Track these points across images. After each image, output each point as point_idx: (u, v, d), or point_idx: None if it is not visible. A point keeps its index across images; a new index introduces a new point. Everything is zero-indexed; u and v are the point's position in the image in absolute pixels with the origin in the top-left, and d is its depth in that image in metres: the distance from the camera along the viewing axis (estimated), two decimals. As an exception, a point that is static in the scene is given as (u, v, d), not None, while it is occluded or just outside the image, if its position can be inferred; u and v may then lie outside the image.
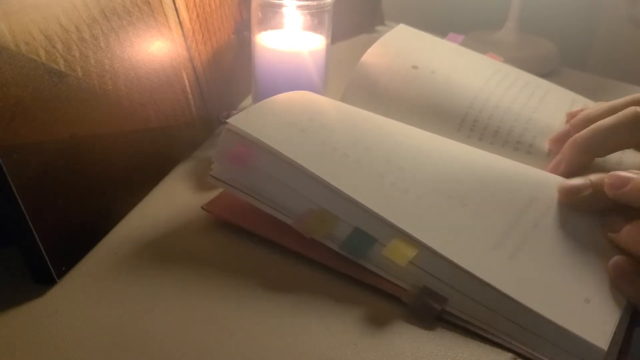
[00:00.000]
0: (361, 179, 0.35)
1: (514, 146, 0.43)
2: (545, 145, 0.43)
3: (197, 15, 0.48)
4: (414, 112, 0.45)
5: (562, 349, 0.29)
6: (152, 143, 0.43)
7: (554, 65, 0.71)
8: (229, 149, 0.37)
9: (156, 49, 0.43)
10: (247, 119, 0.38)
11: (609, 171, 0.35)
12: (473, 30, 0.75)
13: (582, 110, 0.43)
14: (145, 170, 0.42)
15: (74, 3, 0.35)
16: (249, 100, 0.57)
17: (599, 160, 0.40)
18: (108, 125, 0.38)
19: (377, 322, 0.32)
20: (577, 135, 0.39)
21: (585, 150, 0.38)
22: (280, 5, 0.48)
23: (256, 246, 0.37)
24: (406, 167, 0.37)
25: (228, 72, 0.54)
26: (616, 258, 0.32)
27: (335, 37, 0.53)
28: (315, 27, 0.50)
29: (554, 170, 0.40)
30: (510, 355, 0.30)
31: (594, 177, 0.35)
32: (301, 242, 0.35)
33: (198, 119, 0.49)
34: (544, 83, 0.50)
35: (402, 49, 0.52)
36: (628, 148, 0.40)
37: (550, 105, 0.47)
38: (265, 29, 0.50)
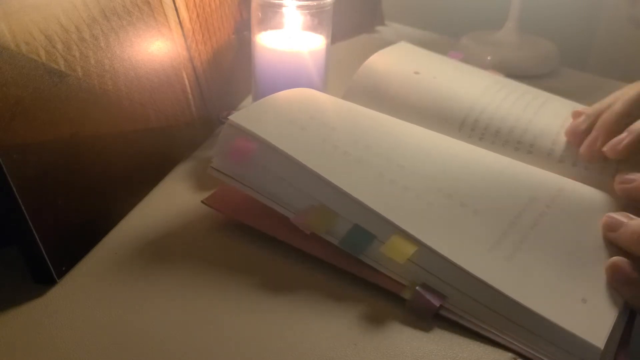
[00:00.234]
0: (361, 176, 0.35)
1: (515, 146, 0.43)
2: (546, 145, 0.43)
3: (197, 15, 0.48)
4: (414, 113, 0.45)
5: (560, 348, 0.29)
6: (152, 143, 0.43)
7: (554, 65, 0.71)
8: (229, 144, 0.37)
9: (156, 49, 0.43)
10: (248, 116, 0.38)
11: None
12: (473, 30, 0.75)
13: (587, 108, 0.43)
14: (145, 170, 0.42)
15: (74, 3, 0.35)
16: (249, 100, 0.57)
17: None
18: (108, 125, 0.38)
19: (377, 322, 0.32)
20: (606, 114, 0.40)
21: (618, 120, 0.39)
22: (280, 5, 0.48)
23: (256, 246, 0.37)
24: (406, 166, 0.37)
25: (228, 72, 0.54)
26: (614, 259, 0.32)
27: (335, 37, 0.53)
28: (315, 27, 0.50)
29: (592, 147, 0.41)
30: (510, 355, 0.30)
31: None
32: (300, 237, 0.35)
33: (198, 119, 0.49)
34: (544, 93, 0.50)
35: (403, 58, 0.52)
36: None
37: (551, 110, 0.47)
38: (265, 29, 0.50)
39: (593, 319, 0.30)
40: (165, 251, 0.36)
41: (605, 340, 0.29)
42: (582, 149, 0.41)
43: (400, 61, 0.51)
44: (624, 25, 0.91)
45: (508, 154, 0.42)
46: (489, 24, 0.76)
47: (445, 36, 0.78)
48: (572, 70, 0.71)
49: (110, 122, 0.38)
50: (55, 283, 0.33)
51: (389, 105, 0.45)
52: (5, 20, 0.30)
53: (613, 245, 0.34)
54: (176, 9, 0.45)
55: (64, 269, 0.34)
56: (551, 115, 0.46)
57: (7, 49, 0.30)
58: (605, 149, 0.39)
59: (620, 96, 0.41)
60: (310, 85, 0.48)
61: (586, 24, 0.93)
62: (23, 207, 0.30)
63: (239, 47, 0.55)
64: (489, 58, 0.69)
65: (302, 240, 0.35)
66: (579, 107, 0.49)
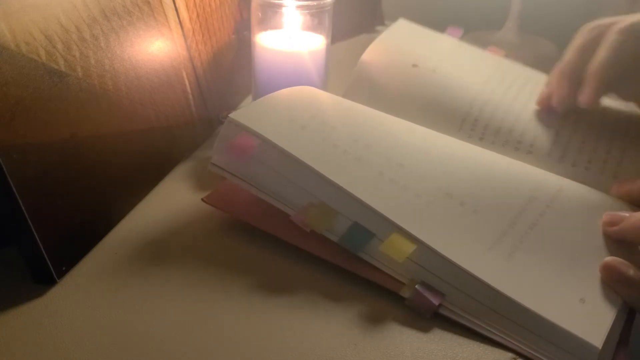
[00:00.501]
0: (361, 175, 0.35)
1: (515, 146, 0.43)
2: (546, 145, 0.43)
3: (197, 15, 0.48)
4: (414, 112, 0.45)
5: (558, 347, 0.29)
6: (152, 143, 0.43)
7: (554, 65, 0.71)
8: (229, 141, 0.37)
9: (156, 49, 0.43)
10: (249, 113, 0.38)
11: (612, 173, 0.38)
12: (473, 31, 0.75)
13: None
14: (145, 170, 0.42)
15: (74, 3, 0.35)
16: (249, 100, 0.57)
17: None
18: (108, 125, 0.38)
19: (377, 322, 0.32)
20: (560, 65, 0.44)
21: (570, 74, 0.42)
22: (280, 5, 0.48)
23: (256, 246, 0.37)
24: (406, 165, 0.37)
25: (228, 72, 0.54)
26: (608, 259, 0.33)
27: (335, 37, 0.53)
28: (315, 27, 0.50)
29: (543, 103, 0.45)
30: (510, 355, 0.30)
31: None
32: (300, 235, 0.35)
33: (198, 119, 0.49)
34: (544, 78, 0.50)
35: (402, 45, 0.51)
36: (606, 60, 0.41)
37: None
38: (265, 29, 0.50)
39: (591, 319, 0.30)
40: (165, 251, 0.36)
41: (604, 340, 0.29)
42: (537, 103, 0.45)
43: (398, 51, 0.51)
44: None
45: (508, 154, 0.42)
46: (489, 24, 0.76)
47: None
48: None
49: (110, 122, 0.38)
50: (55, 283, 0.33)
51: (387, 107, 0.45)
52: (5, 20, 0.30)
53: (612, 245, 0.34)
54: (176, 9, 0.45)
55: (64, 269, 0.34)
56: (550, 114, 0.46)
57: (7, 49, 0.30)
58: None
59: (579, 47, 0.43)
60: (310, 85, 0.48)
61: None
62: (23, 207, 0.30)
63: (239, 47, 0.55)
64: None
65: (302, 238, 0.35)
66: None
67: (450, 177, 0.37)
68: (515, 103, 0.47)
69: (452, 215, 0.34)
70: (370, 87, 0.48)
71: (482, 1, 0.89)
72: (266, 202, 0.36)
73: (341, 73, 0.55)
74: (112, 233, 0.38)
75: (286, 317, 0.32)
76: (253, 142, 0.36)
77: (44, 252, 0.32)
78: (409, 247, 0.32)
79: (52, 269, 0.33)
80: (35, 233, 0.31)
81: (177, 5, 0.45)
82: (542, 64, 0.70)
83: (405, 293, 0.33)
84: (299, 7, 0.48)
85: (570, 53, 0.44)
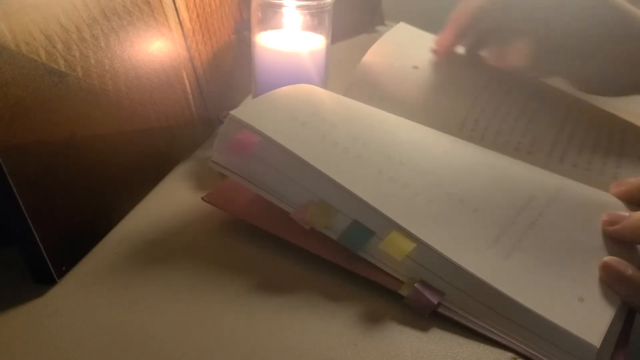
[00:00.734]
0: (361, 173, 0.35)
1: (516, 146, 0.43)
2: (546, 146, 0.43)
3: (197, 15, 0.48)
4: (415, 112, 0.45)
5: (556, 346, 0.29)
6: (152, 143, 0.43)
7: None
8: (229, 138, 0.37)
9: (156, 49, 0.43)
10: (250, 110, 0.38)
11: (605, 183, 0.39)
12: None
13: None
14: (145, 170, 0.42)
15: (74, 3, 0.35)
16: (249, 100, 0.57)
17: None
18: (108, 125, 0.38)
19: (377, 321, 0.32)
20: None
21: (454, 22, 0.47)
22: (280, 5, 0.48)
23: (256, 246, 0.37)
24: (406, 163, 0.37)
25: (228, 72, 0.54)
26: (606, 259, 0.33)
27: (335, 37, 0.53)
28: (315, 27, 0.50)
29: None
30: (510, 355, 0.30)
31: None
32: (299, 234, 0.35)
33: (198, 119, 0.49)
34: (544, 86, 0.50)
35: (403, 48, 0.52)
36: None
37: (549, 109, 0.47)
38: (265, 29, 0.50)
39: (590, 318, 0.30)
40: (165, 251, 0.36)
41: (602, 339, 0.29)
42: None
43: (399, 53, 0.51)
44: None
45: (509, 154, 0.42)
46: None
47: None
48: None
49: (110, 122, 0.38)
50: (55, 283, 0.33)
51: (388, 107, 0.45)
52: (5, 20, 0.30)
53: (611, 245, 0.35)
54: (176, 9, 0.45)
55: (64, 269, 0.34)
56: (550, 115, 0.46)
57: (7, 49, 0.30)
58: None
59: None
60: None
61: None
62: (23, 207, 0.30)
63: (239, 47, 0.55)
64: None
65: (302, 237, 0.35)
66: (578, 105, 0.49)
67: (450, 175, 0.37)
68: (516, 104, 0.47)
69: (452, 213, 0.34)
70: (370, 88, 0.48)
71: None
72: (266, 201, 0.36)
73: (341, 73, 0.55)
74: (112, 233, 0.38)
75: (286, 317, 0.32)
76: (253, 140, 0.36)
77: (44, 252, 0.32)
78: (408, 246, 0.32)
79: (52, 269, 0.33)
80: (35, 233, 0.31)
81: (177, 5, 0.45)
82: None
83: (404, 291, 0.33)
84: (299, 7, 0.48)
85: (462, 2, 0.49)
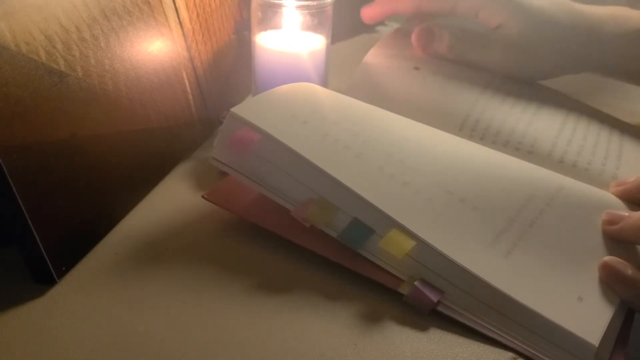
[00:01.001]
0: (361, 171, 0.35)
1: (516, 146, 0.43)
2: (546, 146, 0.43)
3: (197, 15, 0.48)
4: (415, 113, 0.45)
5: (555, 345, 0.29)
6: (152, 143, 0.43)
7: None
8: (230, 135, 0.37)
9: (156, 49, 0.43)
10: (251, 108, 0.38)
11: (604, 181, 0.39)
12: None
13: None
14: (145, 170, 0.42)
15: (74, 3, 0.35)
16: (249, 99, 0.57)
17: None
18: (108, 125, 0.38)
19: (377, 321, 0.32)
20: None
21: None
22: (280, 5, 0.48)
23: (256, 246, 0.37)
24: (406, 161, 0.37)
25: (228, 72, 0.54)
26: (606, 259, 0.33)
27: (335, 37, 0.53)
28: (315, 27, 0.50)
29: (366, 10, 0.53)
30: (510, 354, 0.30)
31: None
32: (300, 232, 0.35)
33: (198, 119, 0.49)
34: (540, 91, 0.50)
35: (404, 49, 0.52)
36: None
37: (550, 110, 0.47)
38: (265, 29, 0.50)
39: (588, 317, 0.30)
40: (165, 251, 0.36)
41: (600, 338, 0.29)
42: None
43: (399, 54, 0.51)
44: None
45: (509, 154, 0.42)
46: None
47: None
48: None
49: (110, 122, 0.38)
50: (55, 283, 0.33)
51: (388, 107, 0.45)
52: (5, 20, 0.30)
53: (611, 244, 0.35)
54: (176, 9, 0.45)
55: (64, 269, 0.34)
56: (550, 116, 0.46)
57: (7, 49, 0.30)
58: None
59: None
60: (310, 85, 0.48)
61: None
62: (23, 207, 0.30)
63: (239, 47, 0.55)
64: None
65: (302, 235, 0.35)
66: (578, 105, 0.49)
67: (450, 173, 0.37)
68: (516, 105, 0.47)
69: (452, 212, 0.34)
70: (371, 89, 0.48)
71: (482, 1, 0.88)
72: (266, 199, 0.36)
73: (341, 73, 0.55)
74: (112, 233, 0.38)
75: (286, 317, 0.32)
76: (254, 137, 0.36)
77: (44, 252, 0.32)
78: (408, 244, 0.32)
79: (52, 269, 0.33)
80: (35, 233, 0.31)
81: (177, 5, 0.45)
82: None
83: (404, 289, 0.33)
84: (299, 7, 0.48)
85: None
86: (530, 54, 0.48)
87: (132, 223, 0.39)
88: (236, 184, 0.38)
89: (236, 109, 0.37)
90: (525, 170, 0.39)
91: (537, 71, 0.51)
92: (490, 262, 0.32)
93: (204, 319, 0.31)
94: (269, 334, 0.31)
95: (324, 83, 0.52)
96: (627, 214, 0.35)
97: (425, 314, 0.32)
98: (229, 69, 0.54)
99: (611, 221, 0.35)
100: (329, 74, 0.53)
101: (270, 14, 0.49)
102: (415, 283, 0.32)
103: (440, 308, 0.32)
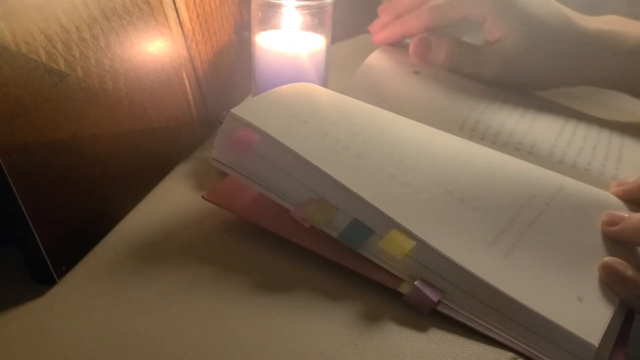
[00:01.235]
0: (361, 171, 0.35)
1: (516, 146, 0.43)
2: (546, 147, 0.43)
3: (197, 15, 0.48)
4: (415, 113, 0.46)
5: (555, 345, 0.29)
6: (152, 143, 0.43)
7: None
8: (230, 135, 0.37)
9: (156, 49, 0.43)
10: (251, 108, 0.38)
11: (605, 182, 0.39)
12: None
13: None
14: (145, 170, 0.42)
15: (74, 3, 0.35)
16: (249, 99, 0.57)
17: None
18: (108, 125, 0.38)
19: (377, 321, 0.32)
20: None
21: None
22: (280, 5, 0.48)
23: (256, 246, 0.37)
24: (406, 161, 0.37)
25: (228, 72, 0.54)
26: (606, 259, 0.33)
27: (335, 37, 0.53)
28: (315, 27, 0.50)
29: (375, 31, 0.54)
30: (510, 354, 0.30)
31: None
32: (299, 232, 0.35)
33: (198, 119, 0.49)
34: (539, 98, 0.50)
35: (405, 53, 0.52)
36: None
37: (549, 114, 0.47)
38: (265, 29, 0.50)
39: (588, 317, 0.30)
40: (165, 251, 0.36)
41: (600, 338, 0.29)
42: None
43: (399, 59, 0.51)
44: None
45: (509, 154, 0.42)
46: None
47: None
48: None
49: (110, 122, 0.38)
50: (55, 283, 0.33)
51: (388, 109, 0.45)
52: (5, 20, 0.30)
53: (611, 245, 0.35)
54: (176, 9, 0.45)
55: (64, 269, 0.34)
56: (550, 118, 0.46)
57: (7, 49, 0.30)
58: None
59: None
60: (310, 85, 0.48)
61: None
62: (23, 207, 0.30)
63: (239, 47, 0.55)
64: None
65: (302, 235, 0.35)
66: (577, 114, 0.49)
67: (450, 174, 0.37)
68: (517, 106, 0.47)
69: (452, 212, 0.34)
70: (370, 92, 0.48)
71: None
72: (266, 199, 0.36)
73: (342, 73, 0.55)
74: (112, 233, 0.38)
75: (286, 317, 0.32)
76: (254, 137, 0.36)
77: (44, 252, 0.32)
78: (408, 244, 0.32)
79: (52, 269, 0.33)
80: (35, 233, 0.31)
81: (177, 5, 0.45)
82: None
83: (404, 289, 0.33)
84: (299, 7, 0.48)
85: None
86: (526, 69, 0.49)
87: (132, 223, 0.39)
88: (236, 184, 0.38)
89: (236, 110, 0.37)
90: (525, 171, 0.39)
91: (532, 85, 0.51)
92: (491, 262, 0.32)
93: (204, 319, 0.31)
94: (269, 334, 0.31)
95: (324, 83, 0.52)
96: (627, 214, 0.35)
97: (425, 314, 0.32)
98: (229, 69, 0.54)
99: (611, 222, 0.35)
100: (329, 74, 0.53)
101: (270, 14, 0.49)
102: (415, 283, 0.32)
103: (440, 308, 0.32)
